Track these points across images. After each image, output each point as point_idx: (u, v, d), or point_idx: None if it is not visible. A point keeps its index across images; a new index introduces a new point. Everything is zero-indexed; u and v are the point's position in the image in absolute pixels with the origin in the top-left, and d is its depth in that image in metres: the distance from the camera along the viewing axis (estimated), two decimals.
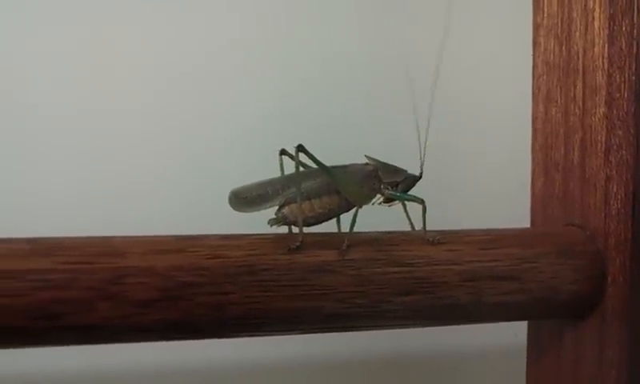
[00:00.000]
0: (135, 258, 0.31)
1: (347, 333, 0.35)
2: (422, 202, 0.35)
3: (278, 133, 0.41)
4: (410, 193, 0.36)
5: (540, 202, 0.41)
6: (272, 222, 0.35)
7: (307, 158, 0.34)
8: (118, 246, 0.31)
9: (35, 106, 0.45)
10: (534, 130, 0.42)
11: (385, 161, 0.36)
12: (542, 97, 0.41)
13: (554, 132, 0.40)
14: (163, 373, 0.47)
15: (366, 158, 0.36)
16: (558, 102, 0.40)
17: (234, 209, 0.35)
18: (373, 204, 0.36)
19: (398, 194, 0.36)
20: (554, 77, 0.40)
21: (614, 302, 0.35)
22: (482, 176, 0.52)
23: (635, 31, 0.35)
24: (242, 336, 0.33)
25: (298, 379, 0.50)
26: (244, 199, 0.35)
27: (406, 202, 0.36)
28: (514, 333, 0.43)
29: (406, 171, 0.36)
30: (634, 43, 0.35)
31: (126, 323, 0.30)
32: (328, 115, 0.49)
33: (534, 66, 0.42)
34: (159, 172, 0.47)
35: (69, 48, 0.46)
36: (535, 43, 0.42)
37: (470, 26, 0.52)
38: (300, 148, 0.33)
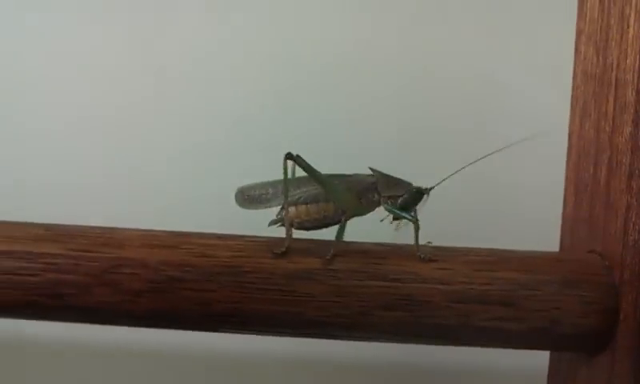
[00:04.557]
0: (132, 250, 0.34)
1: None
2: (415, 221, 0.34)
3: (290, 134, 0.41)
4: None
5: (569, 225, 0.38)
6: (272, 223, 0.36)
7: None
8: (119, 237, 0.34)
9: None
10: (570, 146, 0.39)
11: (390, 173, 0.36)
12: (578, 109, 0.38)
13: (586, 149, 0.37)
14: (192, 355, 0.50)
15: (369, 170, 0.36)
16: (592, 116, 0.36)
17: (238, 205, 0.36)
18: (381, 221, 0.36)
19: (395, 210, 0.35)
20: (591, 88, 0.37)
21: (625, 341, 0.32)
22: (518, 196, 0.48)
23: None
24: (228, 331, 0.34)
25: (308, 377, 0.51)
26: (247, 197, 0.36)
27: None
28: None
29: (409, 185, 0.35)
30: None
31: (119, 309, 0.33)
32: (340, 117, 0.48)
33: (574, 76, 0.39)
34: (177, 169, 0.48)
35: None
36: (576, 51, 0.38)
37: (499, 30, 0.48)
38: (289, 156, 0.34)
